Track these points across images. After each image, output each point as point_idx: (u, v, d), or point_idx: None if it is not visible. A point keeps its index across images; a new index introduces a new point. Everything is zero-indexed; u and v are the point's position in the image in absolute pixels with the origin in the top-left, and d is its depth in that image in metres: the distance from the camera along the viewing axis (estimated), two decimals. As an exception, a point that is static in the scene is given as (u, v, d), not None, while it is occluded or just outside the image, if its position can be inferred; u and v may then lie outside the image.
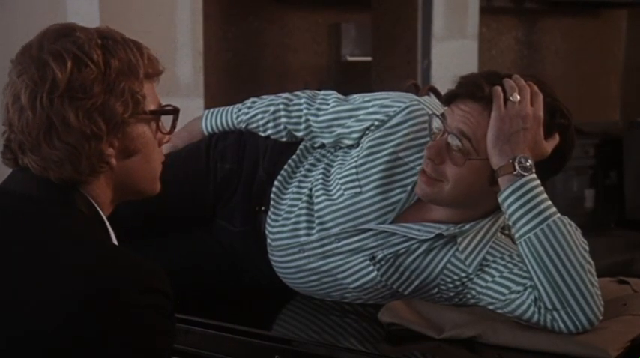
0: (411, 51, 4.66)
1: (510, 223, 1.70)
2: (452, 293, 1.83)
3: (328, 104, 2.02)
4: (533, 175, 1.69)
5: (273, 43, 5.36)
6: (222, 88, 5.03)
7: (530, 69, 5.95)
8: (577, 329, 1.64)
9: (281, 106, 2.06)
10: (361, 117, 1.95)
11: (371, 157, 1.89)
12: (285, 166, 2.01)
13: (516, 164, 1.68)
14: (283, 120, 2.05)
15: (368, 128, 1.93)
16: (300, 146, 2.04)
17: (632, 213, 5.41)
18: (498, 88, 1.71)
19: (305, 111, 2.03)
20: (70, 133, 1.24)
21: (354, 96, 2.03)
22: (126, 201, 1.39)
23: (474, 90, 1.73)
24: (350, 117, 1.97)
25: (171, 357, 1.28)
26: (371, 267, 1.86)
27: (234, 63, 5.23)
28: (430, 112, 1.83)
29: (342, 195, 1.89)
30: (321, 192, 1.92)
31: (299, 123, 2.04)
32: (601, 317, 1.65)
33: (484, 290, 1.77)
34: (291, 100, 2.06)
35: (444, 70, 4.50)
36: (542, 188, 1.70)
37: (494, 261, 1.79)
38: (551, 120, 1.75)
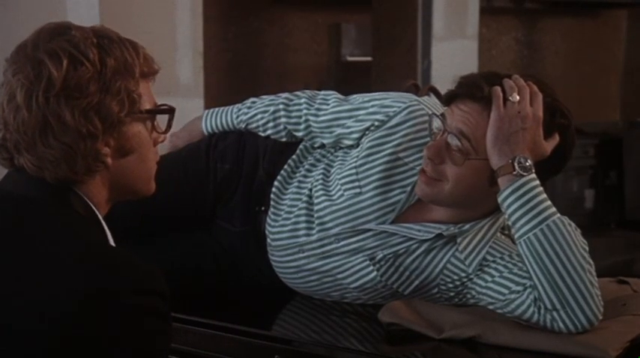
0: (411, 51, 4.66)
1: (510, 223, 1.70)
2: (452, 294, 1.83)
3: (328, 104, 2.02)
4: (533, 175, 1.69)
5: (273, 43, 5.37)
6: (222, 88, 5.03)
7: (530, 69, 5.95)
8: (577, 329, 1.64)
9: (281, 106, 2.06)
10: (361, 117, 1.95)
11: (371, 158, 1.89)
12: (285, 166, 2.01)
13: (516, 164, 1.68)
14: (283, 120, 2.05)
15: (368, 128, 1.93)
16: (300, 146, 2.04)
17: (632, 213, 5.41)
18: (498, 88, 1.71)
19: (305, 111, 2.03)
20: (66, 132, 1.24)
21: (354, 96, 2.03)
22: (123, 201, 1.38)
23: (473, 90, 1.73)
24: (350, 117, 1.97)
25: (171, 357, 1.27)
26: (371, 267, 1.86)
27: (234, 63, 5.23)
28: (430, 112, 1.83)
29: (342, 195, 1.89)
30: (320, 192, 1.92)
31: (299, 124, 2.04)
32: (601, 318, 1.65)
33: (484, 290, 1.77)
34: (291, 100, 2.07)
35: (444, 70, 4.50)
36: (541, 188, 1.70)
37: (494, 261, 1.79)
38: (551, 120, 1.75)
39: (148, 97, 1.34)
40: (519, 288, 1.71)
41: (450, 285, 1.82)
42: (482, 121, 1.72)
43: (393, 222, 1.86)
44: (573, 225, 1.69)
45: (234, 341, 1.78)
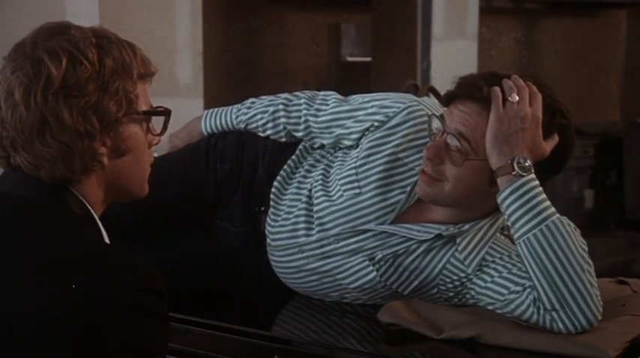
0: (410, 51, 4.66)
1: (509, 223, 1.70)
2: (451, 294, 1.83)
3: (328, 105, 2.02)
4: (532, 175, 1.69)
5: (273, 43, 5.36)
6: (222, 88, 5.03)
7: (530, 69, 5.95)
8: (576, 329, 1.64)
9: (280, 107, 2.06)
10: (360, 118, 1.95)
11: (370, 158, 1.89)
12: (285, 166, 2.01)
13: (515, 164, 1.68)
14: (283, 120, 2.05)
15: (367, 129, 1.93)
16: (300, 146, 2.04)
17: (632, 213, 5.41)
18: (497, 89, 1.71)
19: (304, 111, 2.03)
20: (64, 131, 1.24)
21: (354, 96, 2.03)
22: (119, 202, 1.39)
23: (472, 90, 1.73)
24: (349, 118, 1.97)
25: (171, 357, 1.27)
26: (370, 268, 1.86)
27: (234, 63, 5.23)
28: (429, 113, 1.83)
29: (342, 195, 1.89)
30: (320, 193, 1.92)
31: (298, 124, 2.04)
32: (600, 318, 1.65)
33: (483, 291, 1.77)
34: (290, 101, 2.07)
35: (444, 71, 4.49)
36: (541, 188, 1.70)
37: (493, 262, 1.79)
38: (551, 121, 1.75)
39: (144, 99, 1.35)
40: (519, 288, 1.71)
41: (450, 285, 1.82)
42: (482, 122, 1.72)
43: (392, 223, 1.86)
44: (573, 225, 1.69)
45: (234, 341, 1.78)
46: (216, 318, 1.83)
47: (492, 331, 1.67)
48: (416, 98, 1.96)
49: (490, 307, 1.76)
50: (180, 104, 3.13)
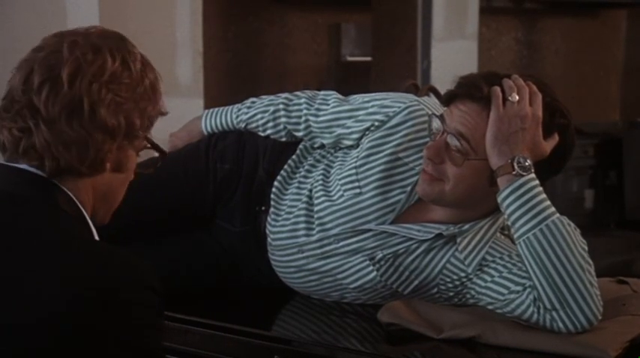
0: (410, 51, 4.66)
1: (509, 223, 1.70)
2: (451, 293, 1.83)
3: (328, 104, 2.02)
4: (532, 175, 1.69)
5: (273, 43, 5.36)
6: (222, 88, 5.03)
7: (530, 69, 5.95)
8: (576, 329, 1.64)
9: (281, 106, 2.06)
10: (361, 117, 1.95)
11: (371, 158, 1.89)
12: (285, 166, 2.01)
13: (515, 164, 1.68)
14: (283, 120, 2.05)
15: (368, 129, 1.93)
16: (300, 146, 2.04)
17: (632, 213, 5.40)
18: (497, 88, 1.71)
19: (305, 111, 2.03)
20: (93, 121, 1.26)
21: (354, 96, 2.03)
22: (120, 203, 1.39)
23: (472, 90, 1.73)
24: (350, 117, 1.97)
25: (171, 357, 1.28)
26: (370, 267, 1.86)
27: (234, 63, 5.23)
28: (430, 113, 1.83)
29: (342, 195, 1.89)
30: (321, 193, 1.92)
31: (299, 124, 2.04)
32: (600, 318, 1.65)
33: (483, 290, 1.77)
34: (290, 100, 2.07)
35: (444, 71, 4.49)
36: (541, 188, 1.70)
37: (493, 261, 1.79)
38: (551, 121, 1.75)
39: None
40: (519, 288, 1.71)
41: (450, 285, 1.82)
42: (482, 121, 1.72)
43: (392, 222, 1.86)
44: (572, 224, 1.69)
45: (234, 341, 1.78)
46: (216, 318, 1.83)
47: (492, 331, 1.67)
48: (416, 98, 1.96)
49: (490, 307, 1.76)
50: (181, 104, 3.13)
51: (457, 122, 1.73)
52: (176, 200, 2.04)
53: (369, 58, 5.14)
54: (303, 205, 1.94)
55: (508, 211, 1.69)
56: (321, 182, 1.94)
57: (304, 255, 1.93)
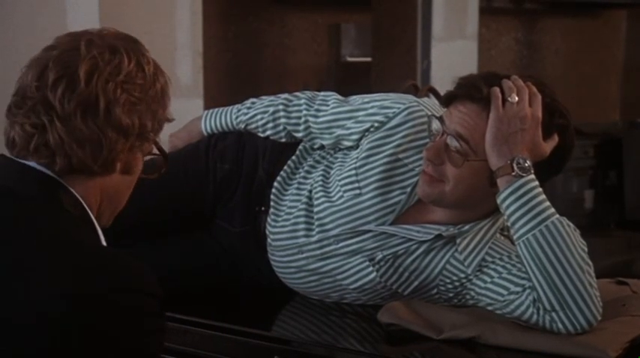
0: (410, 51, 4.66)
1: (509, 224, 1.70)
2: (451, 294, 1.83)
3: (328, 105, 2.02)
4: (532, 176, 1.69)
5: (273, 43, 5.36)
6: (222, 88, 5.03)
7: (530, 69, 5.95)
8: (576, 330, 1.64)
9: (280, 107, 2.06)
10: (360, 118, 1.95)
11: (370, 159, 1.89)
12: (285, 167, 2.01)
13: (515, 165, 1.68)
14: (283, 121, 2.05)
15: (367, 129, 1.93)
16: (300, 147, 2.04)
17: (632, 214, 5.39)
18: (496, 89, 1.71)
19: (304, 112, 2.03)
20: (108, 119, 1.27)
21: (354, 97, 2.03)
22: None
23: (472, 91, 1.74)
24: (349, 118, 1.97)
25: (170, 357, 1.27)
26: (370, 268, 1.86)
27: (234, 63, 5.23)
28: (429, 114, 1.83)
29: (342, 196, 1.89)
30: (320, 193, 1.92)
31: (298, 124, 2.04)
32: (600, 318, 1.65)
33: (483, 291, 1.77)
34: (290, 101, 2.07)
35: (444, 71, 4.49)
36: (540, 189, 1.70)
37: (493, 262, 1.79)
38: (550, 121, 1.75)
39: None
40: (518, 289, 1.71)
41: (450, 286, 1.82)
42: (481, 122, 1.72)
43: (392, 223, 1.86)
44: (572, 225, 1.69)
45: (234, 342, 1.78)
46: (216, 318, 1.83)
47: (492, 331, 1.68)
48: (416, 99, 1.96)
49: (490, 307, 1.76)
50: (181, 104, 3.13)
51: (457, 123, 1.73)
52: (176, 200, 2.04)
53: (369, 59, 5.13)
54: (303, 206, 1.94)
55: (508, 212, 1.69)
56: (320, 183, 1.94)
57: (304, 255, 1.93)
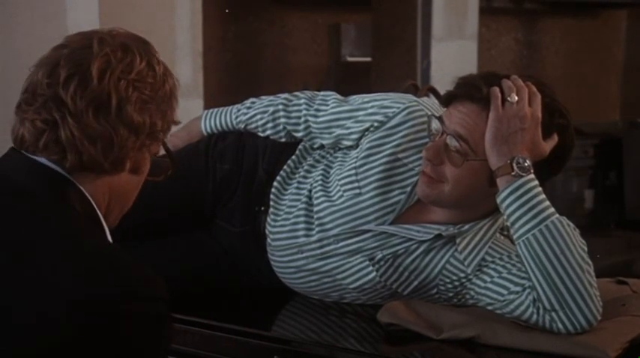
0: (410, 51, 4.66)
1: (509, 224, 1.70)
2: (451, 294, 1.83)
3: (327, 105, 2.02)
4: (532, 176, 1.69)
5: (273, 43, 5.36)
6: (222, 88, 5.03)
7: (530, 69, 5.95)
8: (576, 329, 1.64)
9: (280, 107, 2.06)
10: (360, 118, 1.95)
11: (370, 158, 1.89)
12: (285, 167, 2.01)
13: (514, 165, 1.68)
14: (282, 120, 2.05)
15: (367, 129, 1.93)
16: (300, 146, 2.04)
17: (632, 214, 5.40)
18: (496, 89, 1.71)
19: (304, 111, 2.03)
20: (120, 117, 1.27)
21: (354, 97, 2.03)
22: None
23: (471, 91, 1.74)
24: (349, 118, 1.97)
25: (170, 357, 1.27)
26: (370, 268, 1.86)
27: (234, 63, 5.23)
28: (429, 113, 1.83)
29: (342, 196, 1.89)
30: (320, 193, 1.92)
31: (298, 124, 2.04)
32: (600, 318, 1.65)
33: (483, 291, 1.77)
34: (290, 101, 2.07)
35: (444, 71, 4.49)
36: (540, 188, 1.70)
37: (493, 262, 1.79)
38: (550, 121, 1.75)
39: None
40: (518, 289, 1.71)
41: (449, 286, 1.82)
42: (481, 122, 1.72)
43: (392, 223, 1.86)
44: (572, 225, 1.69)
45: (233, 342, 1.78)
46: (216, 318, 1.83)
47: (492, 331, 1.68)
48: (416, 98, 1.96)
49: (490, 307, 1.76)
50: (180, 104, 3.12)
51: (456, 123, 1.73)
52: (176, 200, 2.04)
53: (369, 59, 5.14)
54: (303, 205, 1.94)
55: (507, 212, 1.69)
56: (320, 182, 1.94)
57: (304, 255, 1.93)
